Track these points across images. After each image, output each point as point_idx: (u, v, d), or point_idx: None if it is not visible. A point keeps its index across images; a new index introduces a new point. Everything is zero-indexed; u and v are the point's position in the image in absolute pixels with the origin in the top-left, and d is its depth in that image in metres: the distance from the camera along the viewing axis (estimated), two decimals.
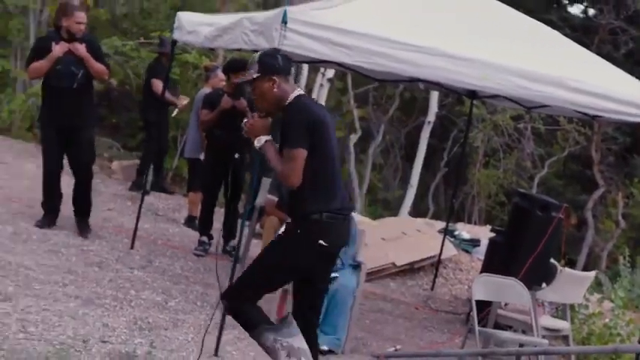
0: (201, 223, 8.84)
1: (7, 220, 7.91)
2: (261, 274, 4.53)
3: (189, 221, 9.72)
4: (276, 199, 7.91)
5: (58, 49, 7.48)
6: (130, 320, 5.78)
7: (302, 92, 4.55)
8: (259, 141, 4.39)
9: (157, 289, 6.85)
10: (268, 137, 4.40)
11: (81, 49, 7.52)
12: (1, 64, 14.20)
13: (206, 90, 9.80)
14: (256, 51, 6.82)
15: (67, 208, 8.11)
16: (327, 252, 4.43)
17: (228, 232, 8.74)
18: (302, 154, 4.22)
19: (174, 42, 8.21)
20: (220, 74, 9.38)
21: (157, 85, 10.18)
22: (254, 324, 4.47)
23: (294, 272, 4.55)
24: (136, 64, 14.23)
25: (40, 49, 7.70)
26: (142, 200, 8.39)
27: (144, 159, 11.00)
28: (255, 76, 4.40)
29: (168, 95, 9.66)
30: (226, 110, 8.33)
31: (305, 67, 13.79)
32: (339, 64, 7.82)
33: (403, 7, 6.48)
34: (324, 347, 6.03)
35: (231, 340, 5.86)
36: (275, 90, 4.35)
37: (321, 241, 4.33)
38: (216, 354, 5.49)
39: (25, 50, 14.28)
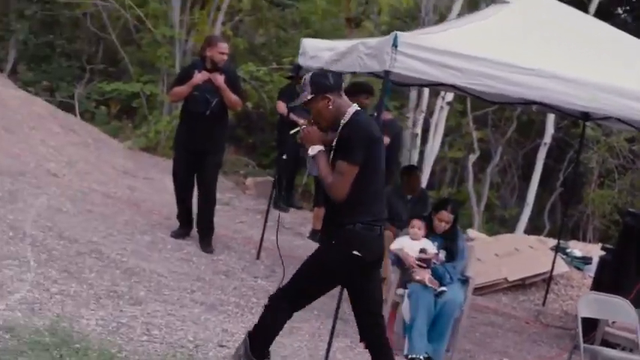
0: None
1: (147, 230, 8.04)
2: (301, 284, 4.46)
3: (313, 235, 9.63)
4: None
5: (199, 77, 7.54)
6: (249, 326, 5.68)
7: (358, 108, 4.43)
8: (313, 149, 4.33)
9: None
10: (322, 148, 4.33)
11: (219, 79, 7.54)
12: (150, 88, 14.55)
13: None
14: (372, 73, 6.77)
15: None
16: (361, 262, 4.29)
17: None
18: (354, 170, 4.17)
19: (299, 67, 8.20)
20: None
21: (281, 106, 10.23)
22: (267, 337, 4.58)
23: (330, 282, 4.52)
24: (270, 88, 14.36)
25: (184, 76, 7.84)
26: (267, 213, 8.37)
27: (278, 176, 10.98)
28: (309, 97, 4.36)
29: (292, 116, 9.67)
30: None
31: (426, 91, 13.60)
32: (455, 87, 7.64)
33: (510, 30, 6.30)
34: (425, 355, 5.81)
35: (343, 349, 5.72)
36: (330, 107, 4.29)
37: (355, 252, 4.21)
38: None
39: (171, 76, 14.63)
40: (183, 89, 7.62)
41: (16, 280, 5.33)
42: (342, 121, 4.30)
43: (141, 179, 10.82)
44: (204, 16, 15.40)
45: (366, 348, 4.58)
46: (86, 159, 11.01)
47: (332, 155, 4.29)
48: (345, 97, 4.43)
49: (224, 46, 7.73)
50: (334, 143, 4.31)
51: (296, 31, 16.71)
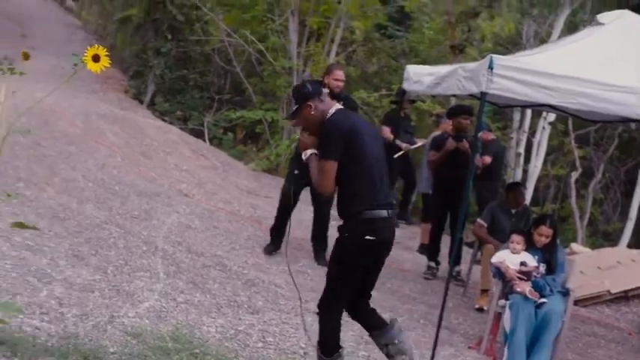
0: (429, 250, 8.63)
1: (266, 244, 8.07)
2: (334, 281, 4.43)
3: (421, 248, 9.51)
4: (485, 224, 7.64)
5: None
6: (357, 334, 5.66)
7: (340, 107, 4.42)
8: (305, 154, 4.37)
9: (385, 308, 6.66)
10: (314, 151, 4.32)
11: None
12: (271, 115, 14.78)
13: (437, 133, 9.67)
14: (472, 95, 6.64)
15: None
16: (375, 245, 4.24)
17: (455, 258, 8.47)
18: (332, 165, 4.16)
19: (403, 91, 8.15)
20: (447, 120, 9.19)
21: (386, 131, 10.13)
22: (329, 341, 4.49)
23: (353, 272, 4.39)
24: (380, 112, 14.34)
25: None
26: None
27: None
28: (294, 108, 4.37)
29: (397, 141, 9.63)
30: (450, 151, 8.14)
31: (528, 112, 13.27)
32: (553, 107, 7.41)
33: (605, 50, 6.03)
34: None
35: (447, 357, 5.60)
36: (313, 112, 4.28)
37: (367, 237, 4.17)
38: None
39: (290, 103, 14.86)
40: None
41: (147, 290, 5.47)
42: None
43: (263, 198, 10.95)
44: (320, 47, 15.55)
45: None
46: (214, 180, 11.26)
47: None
48: (327, 101, 4.41)
49: (340, 74, 7.71)
50: None
51: (405, 60, 16.65)
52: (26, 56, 3.27)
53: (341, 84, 7.66)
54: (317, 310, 4.50)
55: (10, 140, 8.23)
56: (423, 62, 12.82)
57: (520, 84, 5.22)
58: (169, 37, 16.56)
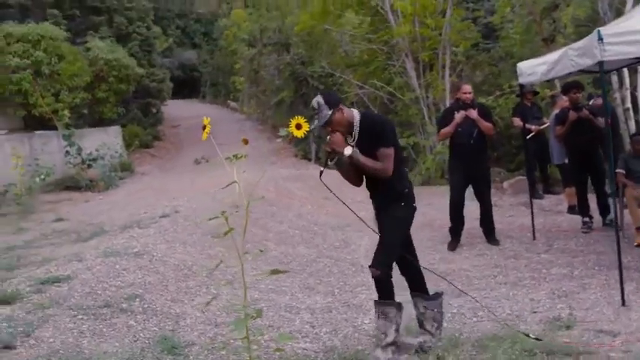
0: (580, 208, 8.16)
1: (444, 241, 7.91)
2: (391, 240, 4.27)
3: (571, 210, 9.03)
4: (623, 171, 7.16)
5: (458, 117, 7.43)
6: (549, 292, 5.42)
7: (357, 111, 4.38)
8: (348, 150, 4.11)
9: (561, 265, 6.38)
10: (353, 146, 4.16)
11: (473, 113, 7.40)
12: (412, 140, 14.69)
13: (556, 111, 9.25)
14: (583, 71, 6.27)
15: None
16: (415, 210, 4.42)
17: (603, 209, 7.98)
18: (392, 151, 4.15)
19: (522, 85, 7.85)
20: (563, 97, 8.78)
21: (516, 120, 9.81)
22: (391, 293, 4.32)
23: (407, 231, 4.45)
24: (499, 111, 13.87)
25: (445, 118, 7.71)
26: (532, 203, 8.01)
27: (528, 174, 10.46)
28: (329, 113, 4.09)
29: (527, 125, 9.27)
30: (574, 121, 7.75)
31: (625, 71, 12.39)
32: None
33: None
34: None
35: (632, 291, 5.20)
36: (344, 114, 4.15)
37: (414, 204, 4.41)
38: (623, 304, 4.88)
39: (424, 126, 14.75)
40: (448, 129, 7.51)
41: (369, 299, 5.46)
42: (355, 122, 4.19)
43: (426, 206, 10.78)
44: (435, 75, 15.37)
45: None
46: None
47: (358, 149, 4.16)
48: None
49: (467, 87, 7.65)
50: (354, 140, 4.20)
51: (503, 63, 16.18)
52: (245, 142, 3.41)
53: (470, 95, 7.53)
54: (375, 269, 4.25)
55: (228, 214, 8.57)
56: (520, 60, 12.30)
57: (631, 45, 4.88)
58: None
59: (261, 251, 4.92)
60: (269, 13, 22.94)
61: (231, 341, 4.13)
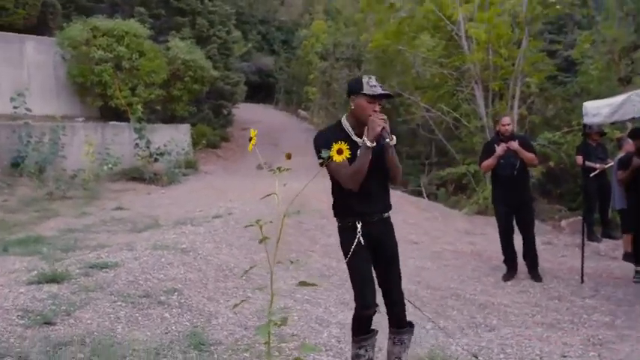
0: (636, 256, 7.93)
1: (489, 273, 7.93)
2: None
3: (626, 257, 8.75)
4: None
5: (499, 149, 7.41)
6: (584, 338, 5.30)
7: None
8: (394, 138, 3.68)
9: (604, 312, 6.23)
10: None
11: (514, 144, 7.36)
12: (473, 167, 14.55)
13: (621, 155, 9.03)
14: None
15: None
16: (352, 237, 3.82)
17: None
18: None
19: (584, 125, 7.73)
20: (630, 141, 8.57)
21: (578, 159, 9.67)
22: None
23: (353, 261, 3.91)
24: (566, 147, 13.62)
25: (488, 150, 7.69)
26: (583, 245, 7.84)
27: (585, 215, 10.23)
28: (386, 92, 3.70)
29: (587, 163, 9.10)
30: (636, 168, 7.57)
31: None
32: None
33: None
34: None
35: None
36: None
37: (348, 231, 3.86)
38: None
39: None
40: (491, 162, 7.49)
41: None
42: None
43: (478, 235, 10.71)
44: (504, 105, 15.22)
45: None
46: (436, 228, 11.21)
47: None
48: None
49: (506, 120, 7.62)
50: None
51: (578, 99, 15.87)
52: (289, 156, 3.53)
53: (509, 127, 7.51)
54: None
55: (279, 222, 8.74)
56: (596, 98, 12.08)
57: None
58: None
59: (292, 262, 5.01)
60: (346, 28, 23.20)
61: (257, 345, 4.27)
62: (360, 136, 3.66)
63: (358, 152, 3.62)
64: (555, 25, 21.93)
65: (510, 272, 7.67)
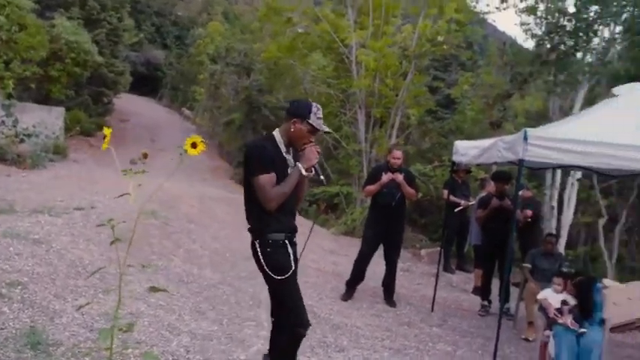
0: (482, 291, 8.42)
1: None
2: None
3: (475, 290, 9.30)
4: (529, 266, 7.48)
5: (385, 178, 7.56)
6: None
7: None
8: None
9: (448, 342, 6.54)
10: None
11: (399, 177, 7.56)
12: (346, 189, 14.92)
13: (482, 194, 9.56)
14: (511, 163, 6.52)
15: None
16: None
17: (504, 297, 8.23)
18: None
19: (454, 163, 8.11)
20: (491, 182, 9.10)
21: (444, 193, 10.16)
22: None
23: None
24: (435, 180, 14.26)
25: (373, 177, 7.80)
26: (438, 275, 8.20)
27: (444, 247, 10.70)
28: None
29: (452, 198, 9.54)
30: (495, 208, 8.04)
31: (558, 172, 12.97)
32: (580, 167, 7.28)
33: (620, 117, 5.85)
34: None
35: None
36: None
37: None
38: None
39: (360, 179, 14.97)
40: (374, 188, 7.62)
41: (254, 336, 5.48)
42: None
43: (342, 256, 10.93)
44: (383, 132, 15.70)
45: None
46: (301, 244, 11.28)
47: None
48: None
49: (398, 154, 7.74)
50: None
51: (452, 136, 16.71)
52: (145, 155, 3.42)
53: (399, 161, 7.69)
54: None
55: (146, 222, 8.47)
56: (467, 138, 12.79)
57: (551, 150, 5.14)
58: (264, 133, 17.01)
59: (144, 266, 4.86)
60: (242, 35, 23.11)
61: (99, 350, 4.08)
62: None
63: (288, 172, 3.68)
64: (441, 62, 22.98)
65: (349, 293, 7.81)
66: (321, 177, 3.82)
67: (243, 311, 6.32)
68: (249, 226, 3.85)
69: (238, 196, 13.66)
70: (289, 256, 3.75)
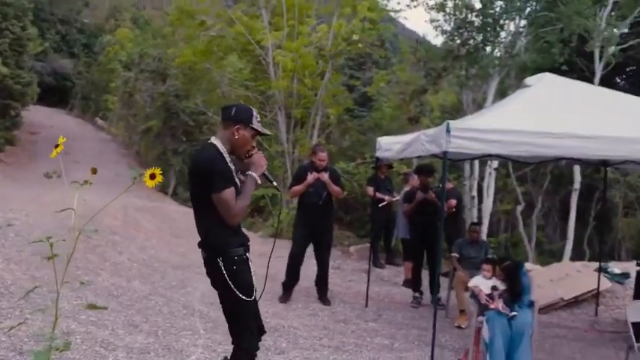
0: (413, 283, 8.58)
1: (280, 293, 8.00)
2: None
3: (406, 283, 9.46)
4: (457, 255, 7.69)
5: (310, 178, 7.56)
6: None
7: None
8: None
9: (385, 335, 6.63)
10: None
11: (325, 176, 7.57)
12: (271, 191, 14.85)
13: (407, 188, 9.73)
14: (435, 155, 6.66)
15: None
16: None
17: (434, 287, 8.44)
18: None
19: (377, 159, 8.22)
20: (415, 176, 9.29)
21: (369, 190, 10.25)
22: None
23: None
24: (358, 177, 14.43)
25: (298, 177, 7.80)
26: (369, 271, 8.31)
27: (372, 242, 10.84)
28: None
29: (377, 194, 9.67)
30: (420, 202, 8.21)
31: (476, 162, 13.39)
32: (499, 156, 7.54)
33: (534, 106, 6.10)
34: None
35: None
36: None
37: None
38: None
39: (285, 180, 14.95)
40: (300, 188, 7.62)
41: (192, 345, 5.38)
42: None
43: (273, 258, 10.86)
44: (304, 133, 15.75)
45: None
46: None
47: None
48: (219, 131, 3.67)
49: (323, 156, 7.71)
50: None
51: (372, 134, 16.94)
52: (94, 171, 3.27)
53: (324, 162, 7.70)
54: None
55: (67, 237, 8.13)
56: (386, 134, 12.98)
57: (473, 141, 5.27)
58: (184, 139, 16.75)
59: (83, 283, 4.67)
60: (154, 40, 22.62)
61: None
62: None
63: (237, 183, 3.47)
64: (356, 61, 23.30)
65: (286, 294, 7.82)
66: (274, 183, 3.74)
67: (178, 321, 6.19)
68: (206, 243, 3.56)
69: (162, 204, 13.37)
70: (249, 272, 3.53)
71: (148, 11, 48.86)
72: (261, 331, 3.77)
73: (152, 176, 2.79)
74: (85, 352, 4.63)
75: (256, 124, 3.57)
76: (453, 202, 8.72)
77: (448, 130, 5.23)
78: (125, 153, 22.84)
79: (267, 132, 3.78)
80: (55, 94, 36.87)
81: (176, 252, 9.48)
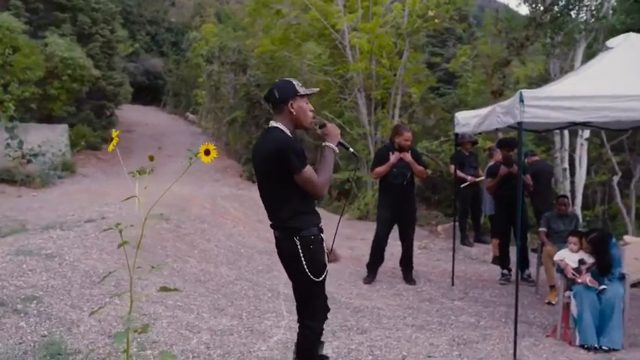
0: (501, 260, 8.34)
1: (364, 275, 7.98)
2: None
3: (495, 260, 9.21)
4: (545, 229, 7.38)
5: (393, 158, 7.51)
6: (450, 339, 5.47)
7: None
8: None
9: (471, 313, 6.48)
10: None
11: (408, 157, 7.50)
12: (357, 175, 14.78)
13: (491, 163, 9.47)
14: (511, 127, 6.43)
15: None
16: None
17: (522, 263, 8.16)
18: None
19: (456, 134, 8.02)
20: (499, 151, 9.00)
21: (451, 168, 10.04)
22: None
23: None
24: (443, 156, 14.16)
25: (381, 158, 7.73)
26: (454, 249, 8.14)
27: (459, 221, 10.59)
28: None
29: (459, 174, 9.43)
30: (504, 176, 7.95)
31: (566, 133, 12.81)
32: (584, 124, 7.16)
33: (616, 68, 5.75)
34: (605, 347, 5.29)
35: (528, 347, 5.31)
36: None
37: None
38: (514, 357, 4.96)
39: (368, 162, 14.88)
40: (383, 169, 7.56)
41: (274, 327, 5.46)
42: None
43: (358, 240, 10.87)
44: (385, 113, 15.58)
45: None
46: None
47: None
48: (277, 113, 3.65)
49: (408, 135, 7.60)
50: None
51: (456, 110, 16.54)
52: (151, 158, 3.38)
53: (409, 143, 7.60)
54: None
55: (157, 227, 8.42)
56: (472, 109, 12.68)
57: (548, 109, 5.01)
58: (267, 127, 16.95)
59: (153, 267, 4.81)
60: (235, 32, 23.02)
61: (117, 353, 4.07)
62: None
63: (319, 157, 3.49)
64: (438, 38, 22.83)
65: (371, 276, 7.81)
66: (351, 149, 3.71)
67: (262, 304, 6.31)
68: (284, 224, 3.53)
69: (249, 192, 13.60)
70: (323, 253, 3.53)
71: (231, 6, 49.86)
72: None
73: (207, 152, 2.82)
74: (170, 334, 4.79)
75: (302, 90, 3.56)
76: (528, 177, 8.36)
77: (522, 100, 5.00)
78: (215, 145, 23.39)
79: (315, 89, 3.73)
80: (149, 93, 38.37)
81: (262, 237, 9.64)
